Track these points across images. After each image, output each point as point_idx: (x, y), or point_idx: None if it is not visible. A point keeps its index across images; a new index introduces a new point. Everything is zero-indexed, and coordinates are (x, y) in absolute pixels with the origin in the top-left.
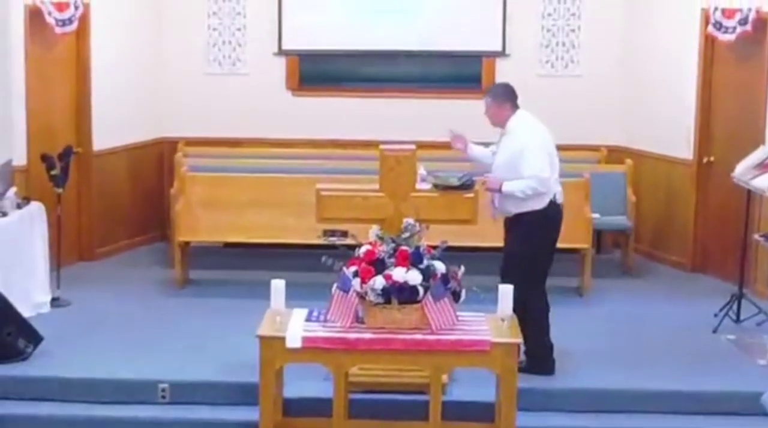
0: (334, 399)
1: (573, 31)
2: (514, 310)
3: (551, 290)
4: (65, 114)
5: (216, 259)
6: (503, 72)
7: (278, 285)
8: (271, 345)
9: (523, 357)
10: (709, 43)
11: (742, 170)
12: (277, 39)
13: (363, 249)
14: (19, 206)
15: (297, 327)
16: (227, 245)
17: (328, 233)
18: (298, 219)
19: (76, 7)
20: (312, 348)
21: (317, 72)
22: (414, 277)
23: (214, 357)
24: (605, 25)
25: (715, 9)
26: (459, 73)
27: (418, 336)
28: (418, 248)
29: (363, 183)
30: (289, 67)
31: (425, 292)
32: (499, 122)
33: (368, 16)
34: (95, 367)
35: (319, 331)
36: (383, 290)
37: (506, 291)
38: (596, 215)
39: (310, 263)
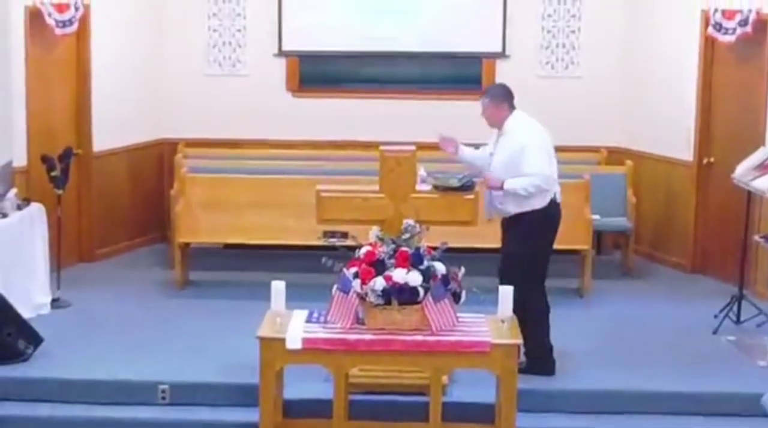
0: (335, 401)
1: (573, 32)
2: (514, 311)
3: (551, 291)
4: (65, 115)
5: (216, 260)
6: (503, 73)
7: (278, 286)
8: (272, 346)
9: (523, 358)
10: (709, 45)
11: (742, 171)
12: (277, 40)
13: (363, 250)
14: (19, 208)
15: (297, 328)
16: (227, 246)
17: (328, 234)
18: (298, 220)
19: (76, 9)
20: (312, 349)
21: (317, 73)
22: (414, 278)
23: (214, 358)
24: (605, 26)
25: (715, 10)
26: (459, 75)
27: (419, 337)
28: (418, 249)
29: (363, 184)
30: (289, 68)
31: (425, 293)
32: (497, 122)
33: (368, 17)
34: (95, 368)
35: (319, 332)
36: (383, 291)
37: (506, 292)
38: (596, 217)
39: (310, 265)
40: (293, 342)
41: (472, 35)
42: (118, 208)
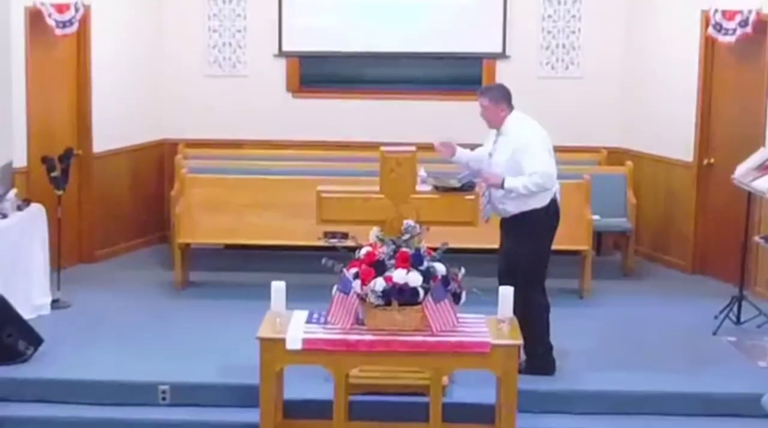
0: (335, 401)
1: (573, 33)
2: (516, 310)
3: (551, 291)
4: (65, 116)
5: (216, 261)
6: (504, 74)
7: (278, 287)
8: (272, 346)
9: (523, 357)
10: (709, 45)
11: (742, 171)
12: (278, 41)
13: (363, 251)
14: (19, 208)
15: (297, 328)
16: (227, 246)
17: (328, 234)
18: (299, 221)
19: (77, 9)
20: (312, 350)
21: (318, 74)
22: (414, 279)
23: (215, 359)
24: (605, 27)
25: (716, 11)
26: (459, 75)
27: (419, 338)
28: (418, 249)
29: (363, 185)
30: (290, 68)
31: (426, 294)
32: (496, 122)
33: (369, 18)
34: (96, 369)
35: (319, 333)
36: (384, 291)
37: (506, 293)
38: (596, 217)
39: (310, 265)
40: (293, 343)
41: (472, 36)
42: (119, 209)
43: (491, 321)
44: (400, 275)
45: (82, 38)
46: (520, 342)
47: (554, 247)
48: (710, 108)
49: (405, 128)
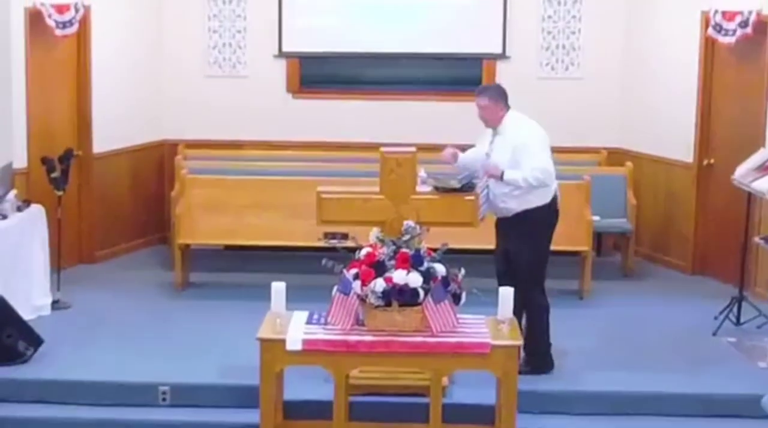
0: (335, 402)
1: (573, 33)
2: (515, 310)
3: (551, 292)
4: (65, 116)
5: (216, 261)
6: (503, 74)
7: (278, 288)
8: (272, 347)
9: (522, 354)
10: (709, 46)
11: (742, 172)
12: (278, 41)
13: (363, 252)
14: (19, 209)
15: (297, 329)
16: (227, 247)
17: (328, 235)
18: (299, 222)
19: (77, 10)
20: (312, 351)
21: (318, 74)
22: (414, 279)
23: (215, 360)
24: (605, 27)
25: (716, 12)
26: (459, 76)
27: (419, 339)
28: (418, 250)
29: (363, 185)
30: (290, 69)
31: (426, 294)
32: (495, 122)
33: (369, 19)
34: (95, 369)
35: (319, 334)
36: (384, 292)
37: (506, 294)
38: (596, 218)
39: (310, 266)
40: (293, 344)
41: (473, 36)
42: (119, 209)
43: (491, 322)
44: (400, 276)
45: (82, 39)
46: (520, 342)
47: (554, 248)
48: (710, 109)
49: (405, 128)
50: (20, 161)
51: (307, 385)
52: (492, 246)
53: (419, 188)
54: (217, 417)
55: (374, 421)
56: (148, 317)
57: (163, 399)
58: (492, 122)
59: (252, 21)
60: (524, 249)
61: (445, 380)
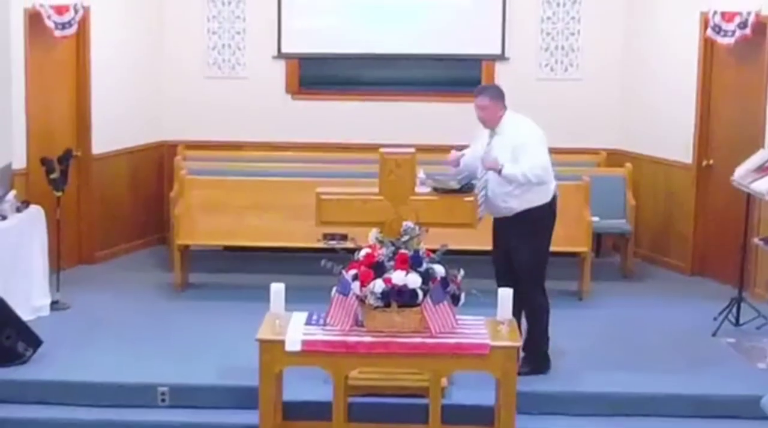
0: (334, 403)
1: (573, 34)
2: (515, 311)
3: (550, 293)
4: (65, 117)
5: (215, 262)
6: (503, 75)
7: (278, 289)
8: (271, 348)
9: (521, 354)
10: (708, 47)
11: (741, 173)
12: (277, 42)
13: (362, 252)
14: (18, 210)
15: (296, 330)
16: (227, 248)
17: (327, 236)
18: (298, 222)
19: (76, 11)
20: (311, 352)
21: (317, 75)
22: (413, 280)
23: (214, 361)
24: (604, 28)
25: (715, 13)
26: (458, 77)
27: (418, 340)
28: (417, 251)
29: (362, 186)
30: (289, 70)
31: (425, 295)
32: (494, 122)
33: (368, 20)
34: (95, 370)
35: (318, 334)
36: (383, 293)
37: (505, 295)
38: (596, 219)
39: (309, 267)
40: (293, 345)
41: (472, 38)
42: (118, 210)
43: (490, 323)
44: (399, 277)
45: (81, 40)
46: (519, 343)
47: (553, 248)
48: (709, 110)
49: (404, 129)
50: (19, 162)
51: (306, 386)
52: (490, 247)
53: (418, 189)
54: (216, 417)
55: (373, 422)
56: (148, 318)
57: (162, 400)
58: (491, 122)
59: (251, 22)
60: (525, 249)
61: (444, 381)
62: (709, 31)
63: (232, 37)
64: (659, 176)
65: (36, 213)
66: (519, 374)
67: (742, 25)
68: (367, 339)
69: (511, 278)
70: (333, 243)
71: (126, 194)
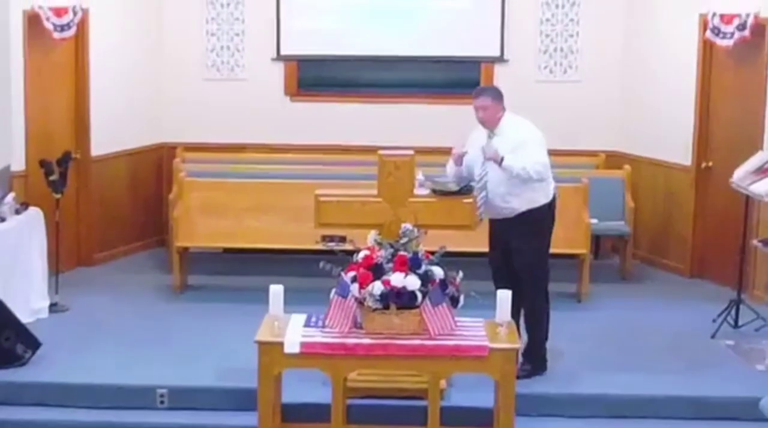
0: (333, 405)
1: (572, 36)
2: (515, 312)
3: (549, 295)
4: (64, 119)
5: (214, 264)
6: (502, 77)
7: (276, 291)
8: (270, 350)
9: (520, 360)
10: (707, 49)
11: (740, 175)
12: (276, 44)
13: (361, 254)
14: (17, 212)
15: (295, 332)
16: (226, 250)
17: (326, 238)
18: (297, 225)
19: (75, 13)
20: (310, 354)
21: (316, 77)
22: (412, 282)
23: (213, 363)
24: (604, 30)
25: (713, 14)
26: (457, 79)
27: (417, 342)
28: (416, 253)
29: (361, 188)
30: (288, 72)
31: (423, 297)
32: (493, 123)
33: (367, 22)
34: (94, 372)
35: (317, 336)
36: (381, 295)
37: (504, 297)
38: (594, 221)
39: (308, 269)
40: (291, 347)
41: (471, 40)
42: (117, 212)
43: (489, 325)
44: (398, 279)
45: (80, 42)
46: (518, 345)
47: (552, 250)
48: (708, 111)
49: (403, 131)
50: (18, 164)
51: (305, 388)
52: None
53: (417, 191)
54: (215, 419)
55: (372, 424)
56: (147, 320)
57: (161, 402)
58: (490, 123)
59: (250, 24)
60: (527, 250)
61: (443, 383)
62: (708, 33)
63: (231, 39)
64: (658, 178)
65: (35, 215)
66: (518, 377)
67: (741, 27)
68: (366, 340)
69: (510, 279)
70: (332, 245)
71: (125, 196)
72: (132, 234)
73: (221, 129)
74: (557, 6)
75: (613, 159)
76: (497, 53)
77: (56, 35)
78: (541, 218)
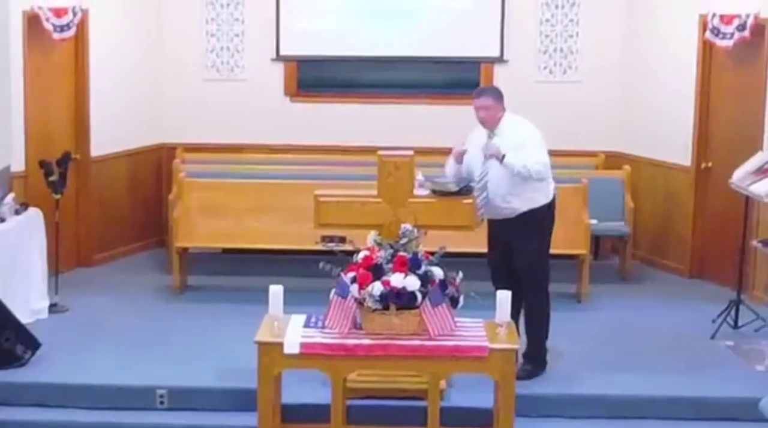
0: (332, 405)
1: (571, 37)
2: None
3: (549, 295)
4: (63, 120)
5: (214, 265)
6: (501, 78)
7: (276, 291)
8: (270, 351)
9: (521, 360)
10: (707, 49)
11: (740, 175)
12: (275, 45)
13: (361, 255)
14: (17, 212)
15: (295, 333)
16: (225, 250)
17: (326, 238)
18: (297, 225)
19: (74, 13)
20: (310, 354)
21: (315, 78)
22: (412, 283)
23: (213, 363)
24: (603, 31)
25: (713, 15)
26: (457, 79)
27: (416, 342)
28: (416, 253)
29: (361, 189)
30: (287, 73)
31: (423, 298)
32: (494, 123)
33: (366, 22)
34: (93, 373)
35: (317, 337)
36: (381, 296)
37: (504, 297)
38: (594, 221)
39: (308, 269)
40: (291, 347)
41: (470, 40)
42: (117, 213)
43: (489, 325)
44: (397, 280)
45: (80, 42)
46: (517, 346)
47: (552, 251)
48: (708, 112)
49: (403, 131)
50: (18, 165)
51: (304, 388)
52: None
53: (417, 192)
54: (214, 420)
55: (372, 425)
56: (146, 320)
57: (161, 403)
58: (491, 123)
59: (250, 24)
60: (528, 250)
61: (442, 383)
62: (708, 34)
63: (230, 39)
64: (658, 179)
65: (35, 216)
66: (518, 378)
67: (741, 27)
68: (366, 341)
69: (510, 280)
70: (331, 246)
71: (125, 196)
72: (132, 235)
73: (221, 130)
74: (557, 6)
75: (613, 159)
76: (497, 54)
77: (56, 36)
78: (542, 219)
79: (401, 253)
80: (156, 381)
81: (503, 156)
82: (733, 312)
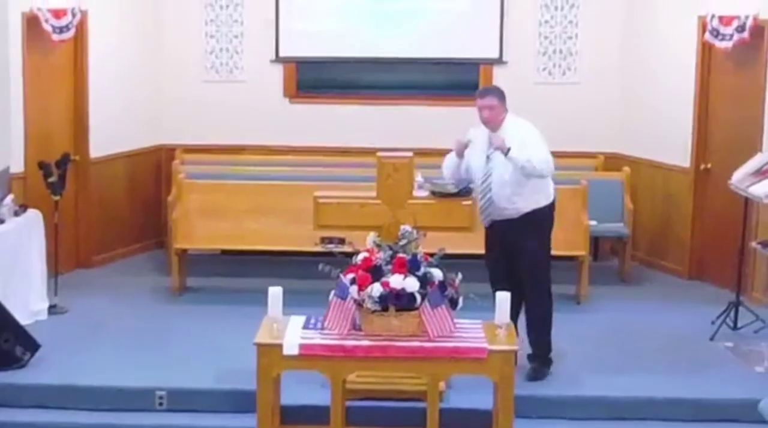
0: (332, 407)
1: (570, 38)
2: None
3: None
4: (62, 121)
5: (213, 266)
6: (501, 79)
7: (275, 292)
8: (269, 352)
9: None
10: (706, 51)
11: (739, 177)
12: (274, 46)
13: (360, 256)
14: (16, 214)
15: (294, 334)
16: (225, 252)
17: (325, 240)
18: (296, 226)
19: (74, 15)
20: (309, 356)
21: (315, 79)
22: (411, 284)
23: (212, 365)
24: (602, 32)
25: (713, 16)
26: (456, 81)
27: (416, 344)
28: (415, 255)
29: (360, 190)
30: (287, 74)
31: (422, 299)
32: (497, 123)
33: (366, 24)
34: (93, 374)
35: (316, 338)
36: (380, 297)
37: (503, 299)
38: (593, 222)
39: (307, 271)
40: (290, 348)
41: (470, 41)
42: (116, 214)
43: (488, 327)
44: (397, 281)
45: (79, 44)
46: (516, 347)
47: (551, 252)
48: (707, 113)
49: (402, 133)
50: (17, 166)
51: (303, 390)
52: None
53: (416, 193)
54: (213, 421)
55: (371, 426)
56: (145, 322)
57: (160, 404)
58: (494, 123)
59: (249, 26)
60: (530, 250)
61: (442, 385)
62: (707, 35)
63: (230, 40)
64: (657, 180)
65: (34, 217)
66: (530, 379)
67: (740, 28)
68: (365, 342)
69: (509, 281)
70: (331, 247)
71: (124, 197)
72: (131, 236)
73: (220, 131)
74: (556, 8)
75: (612, 161)
76: (496, 55)
77: (55, 37)
78: (543, 219)
79: (400, 254)
80: (155, 382)
81: (508, 149)
82: (732, 314)
